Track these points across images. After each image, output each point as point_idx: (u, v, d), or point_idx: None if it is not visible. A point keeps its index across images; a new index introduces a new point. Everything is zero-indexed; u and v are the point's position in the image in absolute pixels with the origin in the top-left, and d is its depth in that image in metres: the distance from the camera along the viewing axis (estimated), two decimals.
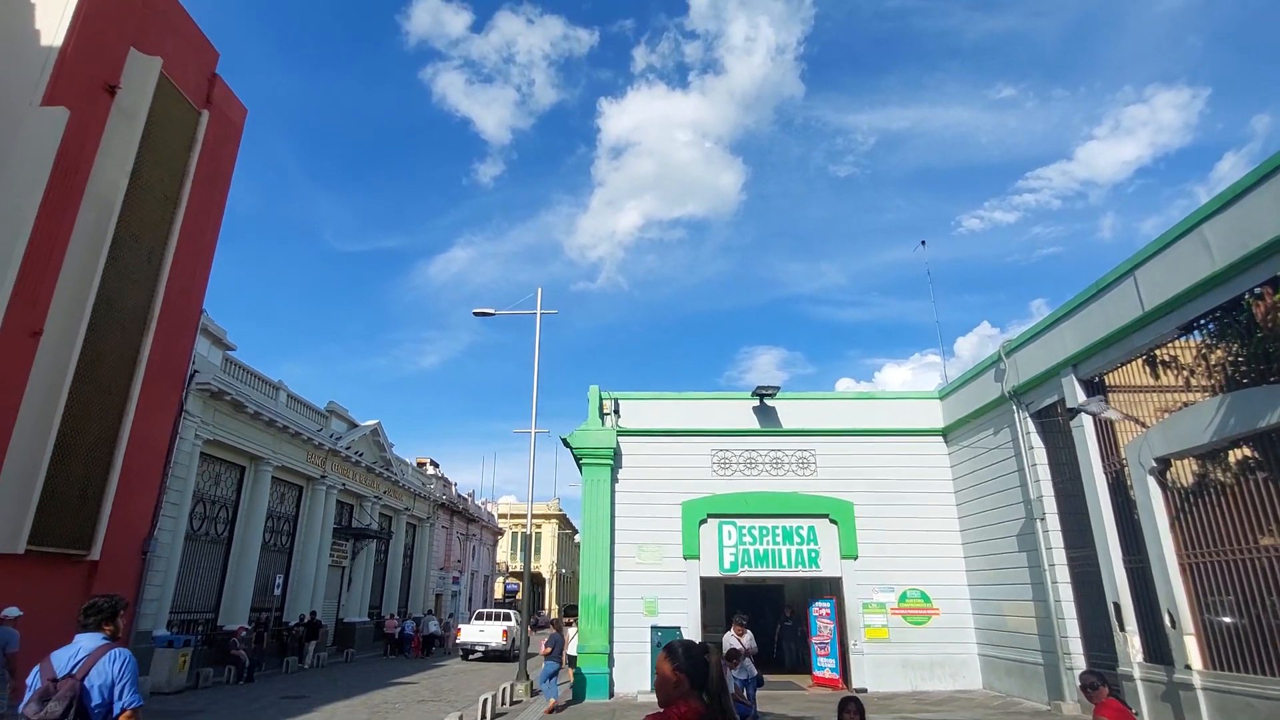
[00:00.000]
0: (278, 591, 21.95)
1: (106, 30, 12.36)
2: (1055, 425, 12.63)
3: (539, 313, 17.30)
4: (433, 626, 28.77)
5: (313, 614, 22.00)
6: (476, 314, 17.39)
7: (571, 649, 16.02)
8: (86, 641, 3.70)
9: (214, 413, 17.74)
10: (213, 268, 15.52)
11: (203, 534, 18.42)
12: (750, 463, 16.22)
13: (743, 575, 15.79)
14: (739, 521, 15.71)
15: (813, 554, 15.50)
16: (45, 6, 11.83)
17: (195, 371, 16.31)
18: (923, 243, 23.35)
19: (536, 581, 58.86)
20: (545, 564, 60.76)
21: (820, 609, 15.35)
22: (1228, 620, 8.85)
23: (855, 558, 15.30)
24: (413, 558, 34.90)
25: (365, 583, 28.01)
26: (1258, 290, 8.27)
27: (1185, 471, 9.82)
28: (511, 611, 28.10)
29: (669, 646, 2.34)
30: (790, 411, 16.50)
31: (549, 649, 13.33)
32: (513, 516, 58.74)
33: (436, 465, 39.62)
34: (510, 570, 57.93)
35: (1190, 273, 8.98)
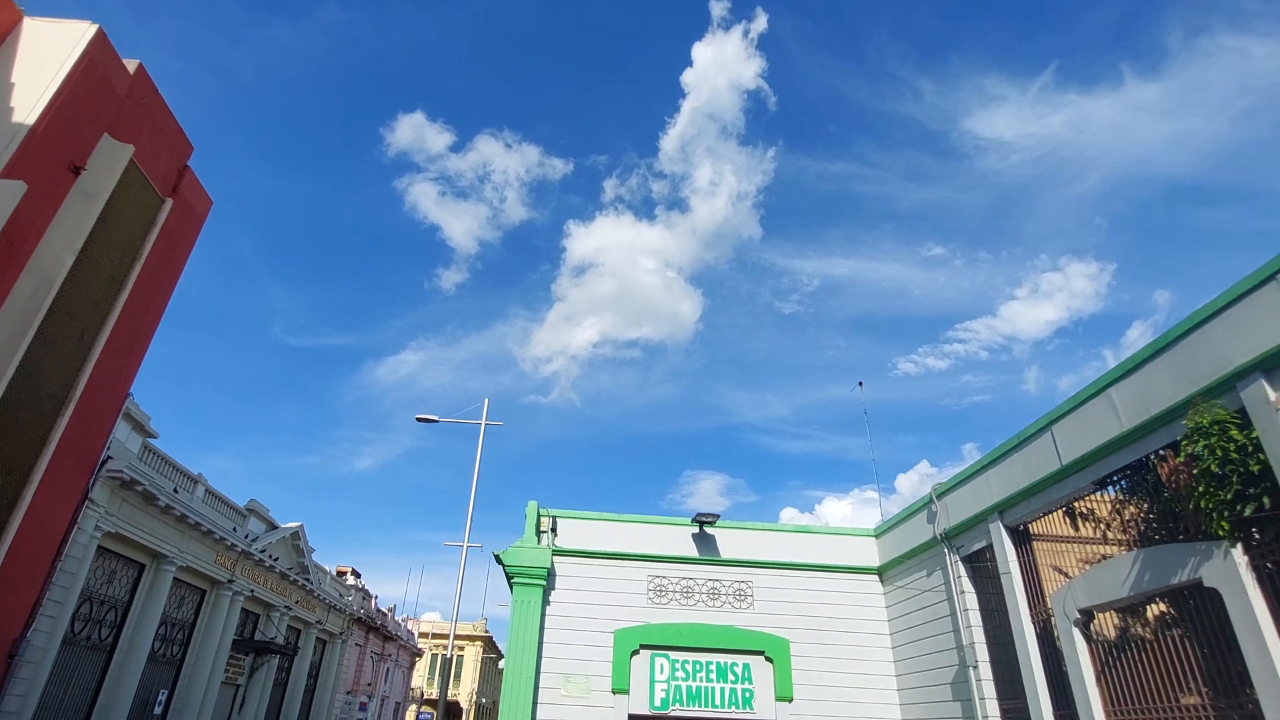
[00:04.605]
0: (159, 710, 19.68)
1: (82, 115, 12.59)
2: (985, 570, 12.81)
3: (483, 423, 17.14)
4: None
5: None
6: (419, 420, 17.14)
7: None
8: None
9: (121, 503, 16.58)
10: (149, 350, 15.05)
11: (83, 638, 16.66)
12: (687, 591, 15.81)
13: (673, 714, 14.93)
14: (672, 654, 15.05)
15: (747, 694, 14.84)
16: (24, 87, 12.04)
17: (108, 458, 15.39)
18: (860, 384, 25.67)
19: (453, 712, 54.23)
20: (465, 691, 56.24)
21: None
22: None
23: (790, 700, 14.68)
24: (318, 678, 32.00)
25: (261, 704, 25.37)
26: (1161, 452, 8.84)
27: (1108, 624, 9.97)
28: None
29: None
30: (729, 541, 16.34)
31: None
32: (434, 636, 54.86)
33: (358, 575, 37.30)
34: (425, 698, 53.31)
35: (1101, 432, 9.58)
